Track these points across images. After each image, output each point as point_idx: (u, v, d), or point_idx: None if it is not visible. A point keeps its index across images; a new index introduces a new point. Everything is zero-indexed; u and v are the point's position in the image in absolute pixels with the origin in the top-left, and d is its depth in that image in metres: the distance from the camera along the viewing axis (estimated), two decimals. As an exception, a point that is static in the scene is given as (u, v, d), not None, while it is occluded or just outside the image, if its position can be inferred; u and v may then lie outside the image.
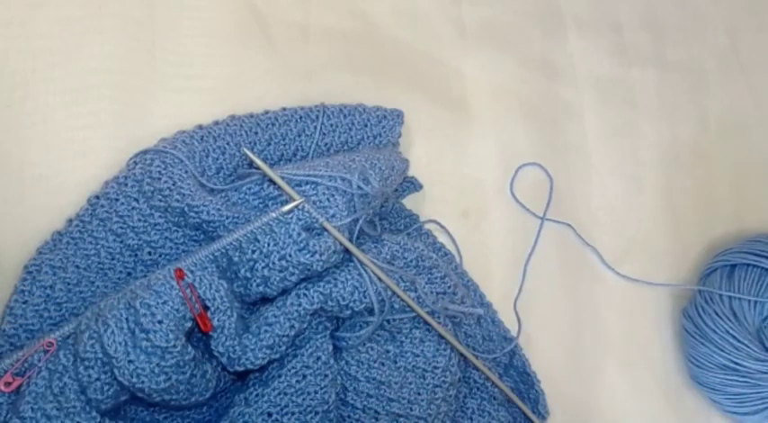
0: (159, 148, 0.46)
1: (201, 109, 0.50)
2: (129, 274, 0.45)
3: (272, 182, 0.45)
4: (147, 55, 0.51)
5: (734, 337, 0.50)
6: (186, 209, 0.44)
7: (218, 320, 0.41)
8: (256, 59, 0.53)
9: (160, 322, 0.39)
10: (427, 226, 0.53)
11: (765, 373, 0.49)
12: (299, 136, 0.50)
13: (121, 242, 0.45)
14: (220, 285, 0.42)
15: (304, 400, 0.42)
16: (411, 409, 0.45)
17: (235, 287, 0.43)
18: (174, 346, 0.39)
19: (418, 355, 0.45)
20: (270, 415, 0.42)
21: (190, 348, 0.41)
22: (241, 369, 0.42)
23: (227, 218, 0.44)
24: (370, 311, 0.45)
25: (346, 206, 0.45)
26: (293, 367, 0.43)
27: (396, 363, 0.45)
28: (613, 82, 0.60)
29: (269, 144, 0.49)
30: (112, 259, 0.45)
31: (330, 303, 0.43)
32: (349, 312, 0.44)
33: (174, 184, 0.45)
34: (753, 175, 0.60)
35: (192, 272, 0.42)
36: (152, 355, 0.39)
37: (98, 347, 0.39)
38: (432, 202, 0.54)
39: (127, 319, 0.39)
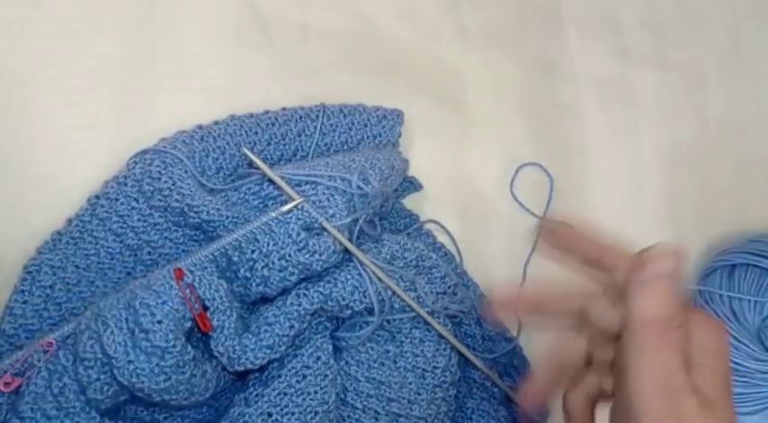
0: (159, 148, 0.46)
1: (201, 109, 0.50)
2: (128, 274, 0.45)
3: (271, 182, 0.45)
4: (147, 55, 0.51)
5: (734, 337, 0.49)
6: (186, 209, 0.44)
7: (217, 320, 0.41)
8: (256, 59, 0.53)
9: (160, 322, 0.39)
10: (427, 226, 0.53)
11: (765, 373, 0.49)
12: (299, 136, 0.50)
13: (121, 242, 0.45)
14: (220, 285, 0.42)
15: (304, 400, 0.42)
16: (411, 410, 0.45)
17: (234, 287, 0.43)
18: (174, 346, 0.39)
19: (418, 355, 0.45)
20: (270, 415, 0.42)
21: (190, 348, 0.41)
22: (241, 369, 0.42)
23: (227, 218, 0.44)
24: (370, 311, 0.45)
25: (346, 206, 0.45)
26: (293, 367, 0.43)
27: (396, 363, 0.45)
28: (613, 82, 0.60)
29: (269, 144, 0.49)
30: (112, 259, 0.45)
31: (330, 303, 0.43)
32: (349, 312, 0.44)
33: (173, 184, 0.45)
34: (753, 175, 0.60)
35: (191, 272, 0.42)
36: (152, 355, 0.39)
37: (98, 347, 0.39)
38: (432, 202, 0.54)
39: (126, 319, 0.39)
